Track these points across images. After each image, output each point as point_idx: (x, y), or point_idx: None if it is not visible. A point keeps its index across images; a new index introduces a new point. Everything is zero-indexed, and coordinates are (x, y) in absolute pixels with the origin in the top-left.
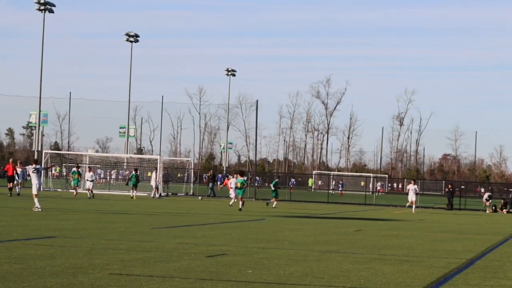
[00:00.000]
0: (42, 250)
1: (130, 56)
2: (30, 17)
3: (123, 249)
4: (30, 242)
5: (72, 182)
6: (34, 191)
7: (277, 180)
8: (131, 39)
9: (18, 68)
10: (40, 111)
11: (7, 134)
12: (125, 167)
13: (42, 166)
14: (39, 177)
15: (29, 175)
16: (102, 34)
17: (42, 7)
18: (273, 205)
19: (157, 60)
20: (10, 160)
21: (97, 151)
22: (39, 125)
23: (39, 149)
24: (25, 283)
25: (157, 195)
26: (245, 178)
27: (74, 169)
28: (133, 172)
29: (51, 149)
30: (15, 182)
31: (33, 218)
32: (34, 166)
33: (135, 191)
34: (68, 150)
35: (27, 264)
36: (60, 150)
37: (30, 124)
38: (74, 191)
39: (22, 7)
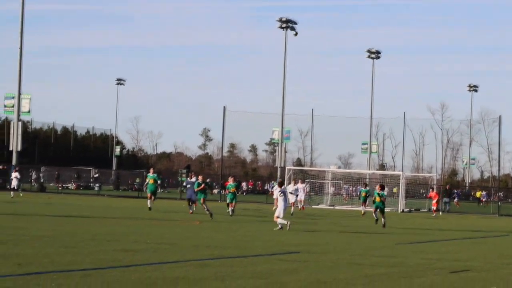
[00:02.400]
0: (286, 265)
1: (371, 73)
2: (273, 34)
3: (367, 264)
4: (274, 257)
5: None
6: (277, 213)
7: None
8: (373, 55)
9: (261, 86)
10: (283, 127)
11: (250, 151)
12: (367, 183)
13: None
14: (285, 199)
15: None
16: (343, 50)
17: (284, 25)
18: None
19: (399, 77)
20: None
21: (339, 167)
22: (281, 142)
23: (282, 165)
24: None
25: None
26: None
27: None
28: (363, 188)
29: (293, 166)
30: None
31: (275, 233)
32: (280, 188)
33: (363, 207)
34: (310, 167)
35: (272, 279)
36: (302, 166)
37: (273, 141)
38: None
39: (265, 25)
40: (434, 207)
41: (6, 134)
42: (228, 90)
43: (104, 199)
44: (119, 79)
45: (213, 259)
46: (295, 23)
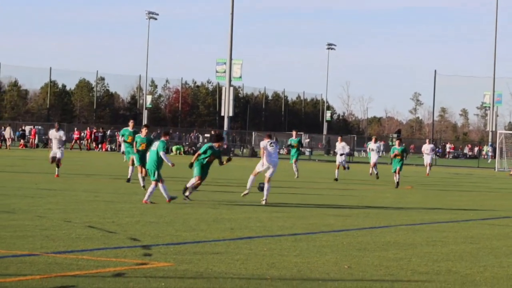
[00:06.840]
0: (497, 230)
1: None
2: None
3: None
4: (485, 222)
5: None
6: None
7: None
8: None
9: (472, 49)
10: (494, 91)
11: (461, 115)
12: None
13: None
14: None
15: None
16: None
17: None
18: None
19: None
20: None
21: None
22: (493, 105)
23: (493, 129)
24: (481, 263)
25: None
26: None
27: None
28: None
29: (505, 129)
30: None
31: (488, 198)
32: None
33: None
34: None
35: (483, 243)
36: None
37: (484, 105)
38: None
39: None
40: None
41: (218, 100)
42: (439, 54)
43: (314, 164)
44: (329, 44)
45: (424, 224)
46: None
